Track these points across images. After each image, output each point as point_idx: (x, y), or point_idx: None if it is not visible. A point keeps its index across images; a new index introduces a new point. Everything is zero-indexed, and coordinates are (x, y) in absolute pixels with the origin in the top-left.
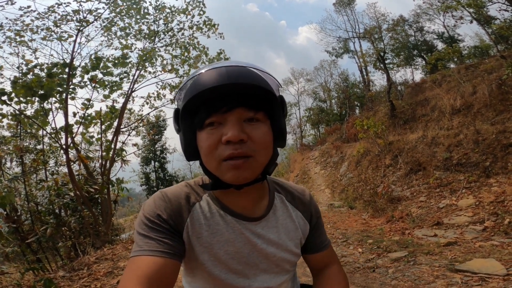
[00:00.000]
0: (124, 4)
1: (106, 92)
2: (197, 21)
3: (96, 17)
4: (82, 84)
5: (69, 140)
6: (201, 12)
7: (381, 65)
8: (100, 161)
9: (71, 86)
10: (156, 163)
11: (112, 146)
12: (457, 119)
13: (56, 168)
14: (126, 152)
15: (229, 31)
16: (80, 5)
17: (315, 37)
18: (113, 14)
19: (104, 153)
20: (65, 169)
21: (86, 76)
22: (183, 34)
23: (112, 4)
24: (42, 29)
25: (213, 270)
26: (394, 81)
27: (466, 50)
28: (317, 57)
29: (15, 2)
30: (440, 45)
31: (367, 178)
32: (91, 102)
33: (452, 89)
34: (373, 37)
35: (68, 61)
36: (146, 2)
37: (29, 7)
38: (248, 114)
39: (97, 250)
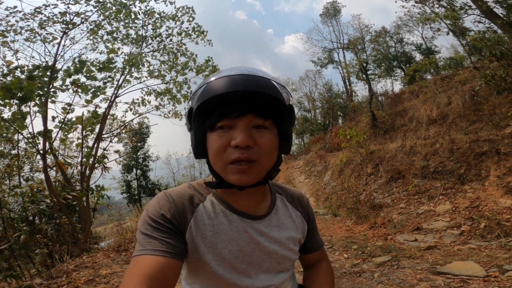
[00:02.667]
0: (114, 8)
1: (89, 97)
2: (186, 28)
3: (83, 20)
4: (64, 87)
5: (47, 145)
6: (190, 19)
7: (364, 75)
8: (79, 167)
9: (52, 90)
10: (138, 170)
11: (93, 152)
12: (433, 129)
13: (32, 174)
14: (108, 159)
15: (216, 38)
16: (68, 7)
17: (301, 46)
18: (102, 17)
19: (84, 160)
20: (41, 175)
21: (68, 80)
22: (171, 40)
23: (101, 7)
24: (26, 30)
25: (217, 270)
26: (375, 92)
27: (442, 61)
28: (303, 66)
29: (2, 2)
30: (418, 56)
31: (350, 186)
32: (72, 106)
33: (428, 99)
34: (357, 48)
35: (50, 63)
36: (135, 7)
37: (15, 7)
38: (257, 121)
39: (75, 258)
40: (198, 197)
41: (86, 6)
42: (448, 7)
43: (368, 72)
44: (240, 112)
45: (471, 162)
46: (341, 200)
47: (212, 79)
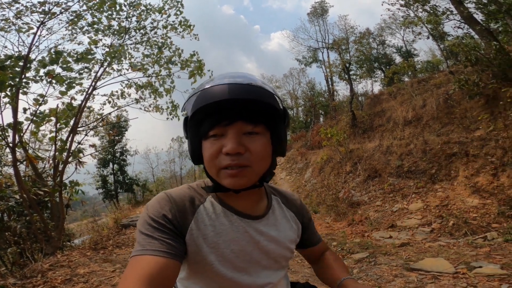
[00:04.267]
0: None
1: (63, 88)
2: (173, 21)
3: (63, 10)
4: (37, 78)
5: (17, 138)
6: (178, 12)
7: (346, 76)
8: (51, 162)
9: (24, 80)
10: (115, 165)
11: (67, 146)
12: (408, 130)
13: (0, 168)
14: (83, 154)
15: (202, 32)
16: None
17: (286, 43)
18: (84, 7)
19: (57, 154)
20: (10, 170)
21: (42, 71)
22: (155, 33)
23: None
24: (1, 20)
25: (220, 270)
26: (356, 92)
27: (419, 64)
28: (287, 64)
29: None
30: (398, 59)
31: (329, 184)
32: (45, 98)
33: (405, 101)
34: (341, 48)
35: (24, 53)
36: None
37: None
38: (247, 128)
39: (49, 257)
40: (198, 199)
41: None
42: (431, 11)
43: (351, 73)
44: (229, 120)
45: (442, 162)
46: (321, 197)
47: (207, 86)
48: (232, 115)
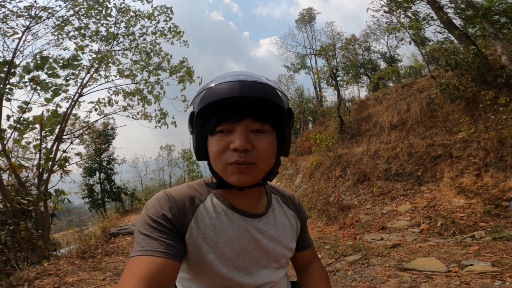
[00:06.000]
0: (85, 3)
1: (49, 95)
2: (162, 27)
3: (49, 15)
4: (22, 84)
5: (0, 146)
6: (167, 19)
7: (333, 81)
8: (35, 170)
9: (8, 86)
10: (102, 174)
11: (52, 155)
12: (394, 134)
13: None
14: (69, 162)
15: (190, 39)
16: (35, 1)
17: (275, 50)
18: (71, 12)
19: (42, 162)
20: None
21: (27, 77)
22: (144, 39)
23: (70, 2)
24: None
25: (220, 269)
26: (343, 98)
27: (403, 69)
28: (276, 70)
29: None
30: (382, 64)
31: (320, 188)
32: (29, 105)
33: (390, 106)
34: (328, 55)
35: (8, 58)
36: (110, 3)
37: None
38: (255, 125)
39: (35, 266)
40: (198, 198)
41: (56, 0)
42: (413, 17)
43: (338, 79)
44: (238, 117)
45: (427, 164)
46: (312, 202)
47: (212, 85)
48: (242, 112)
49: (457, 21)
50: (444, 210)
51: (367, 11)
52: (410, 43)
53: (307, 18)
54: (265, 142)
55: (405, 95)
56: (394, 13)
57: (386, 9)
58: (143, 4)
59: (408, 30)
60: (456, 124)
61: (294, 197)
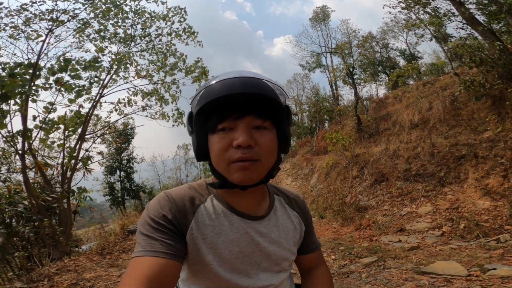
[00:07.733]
0: (103, 6)
1: (72, 96)
2: (177, 28)
3: (70, 18)
4: (47, 86)
5: (26, 145)
6: (182, 20)
7: (350, 80)
8: (59, 168)
9: (34, 88)
10: (122, 172)
11: (75, 153)
12: (415, 133)
13: (9, 175)
14: (92, 161)
15: (205, 39)
16: (56, 4)
17: (290, 49)
18: (91, 15)
19: (66, 161)
20: (19, 176)
21: (51, 78)
22: (160, 40)
23: (90, 5)
24: (10, 27)
25: (218, 271)
26: (360, 96)
27: (424, 67)
28: (291, 69)
29: None
30: (402, 62)
31: (336, 189)
32: (54, 106)
33: (411, 104)
34: (344, 53)
35: (33, 61)
36: (126, 6)
37: (1, 3)
38: (257, 122)
39: (56, 262)
40: (199, 198)
41: (74, 3)
42: (433, 13)
43: (354, 77)
44: (240, 113)
45: (451, 165)
46: (327, 202)
47: (212, 82)
48: (243, 109)
49: (480, 17)
50: (468, 212)
51: (383, 7)
52: (431, 40)
53: (321, 16)
54: (267, 138)
55: (427, 93)
56: (413, 9)
57: (404, 5)
58: (158, 6)
59: (428, 27)
60: (481, 123)
61: (298, 198)
